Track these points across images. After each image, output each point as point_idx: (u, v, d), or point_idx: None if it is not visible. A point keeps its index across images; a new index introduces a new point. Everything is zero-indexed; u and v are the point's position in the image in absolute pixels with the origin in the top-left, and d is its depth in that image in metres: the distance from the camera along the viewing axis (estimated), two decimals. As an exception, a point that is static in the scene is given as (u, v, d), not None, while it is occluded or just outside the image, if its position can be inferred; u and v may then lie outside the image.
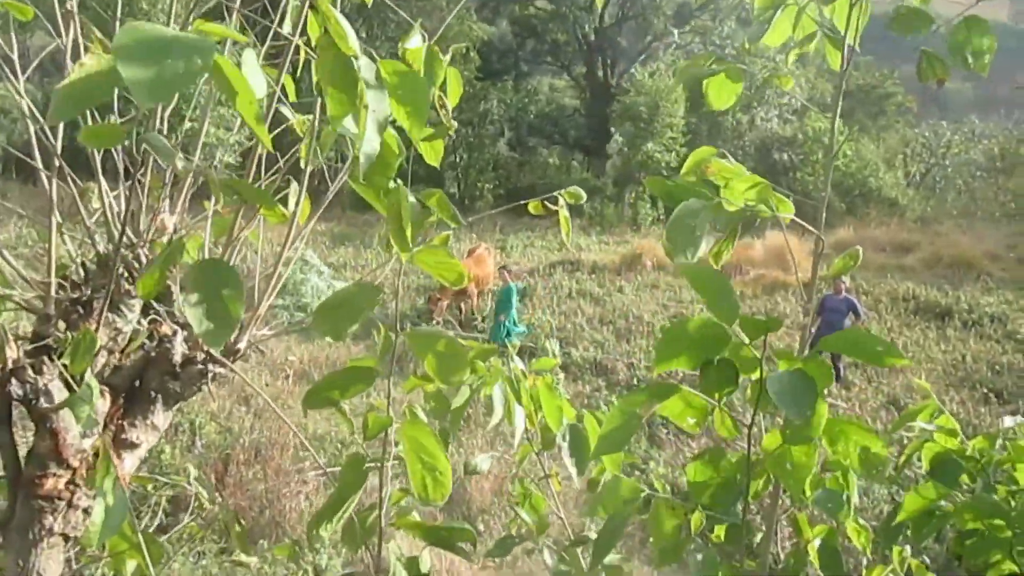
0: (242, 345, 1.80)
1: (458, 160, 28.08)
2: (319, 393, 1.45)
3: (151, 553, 1.35)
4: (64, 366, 1.50)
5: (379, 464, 1.47)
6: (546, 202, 1.98)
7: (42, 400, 1.49)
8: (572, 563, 1.75)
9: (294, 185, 1.80)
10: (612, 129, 30.05)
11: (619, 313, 14.70)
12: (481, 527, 8.48)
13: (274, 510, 8.24)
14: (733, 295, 1.07)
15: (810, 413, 0.99)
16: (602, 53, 32.34)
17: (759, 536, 2.08)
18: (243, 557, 1.79)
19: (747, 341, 1.06)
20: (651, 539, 1.33)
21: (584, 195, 2.04)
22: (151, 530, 7.58)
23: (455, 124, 1.83)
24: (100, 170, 1.81)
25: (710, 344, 1.07)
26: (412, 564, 1.53)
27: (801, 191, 26.27)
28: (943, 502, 1.53)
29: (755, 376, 1.09)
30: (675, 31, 31.06)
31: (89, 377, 1.44)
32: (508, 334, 12.12)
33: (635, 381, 11.41)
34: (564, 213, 1.97)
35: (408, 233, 1.34)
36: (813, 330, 12.35)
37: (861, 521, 2.09)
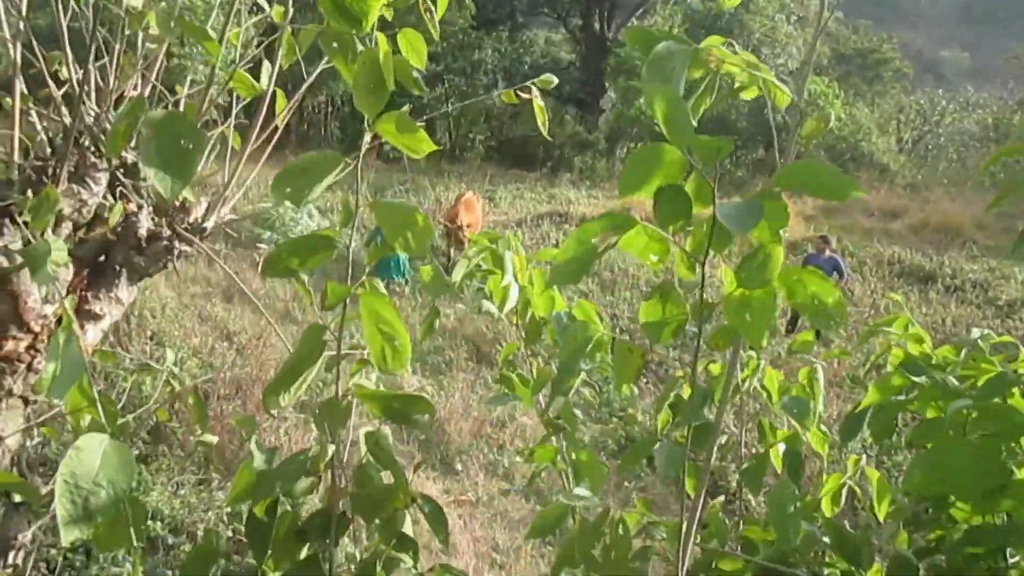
0: (209, 225, 1.79)
1: (450, 109, 27.86)
2: (278, 260, 1.44)
3: (107, 414, 1.35)
4: (27, 226, 1.48)
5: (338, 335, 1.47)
6: (519, 91, 1.96)
7: (2, 260, 1.48)
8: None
9: (266, 64, 1.77)
10: (606, 84, 29.78)
11: (604, 265, 14.71)
12: (459, 467, 8.57)
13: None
14: (690, 119, 1.06)
15: (752, 225, 0.99)
16: (599, 6, 31.89)
17: (724, 438, 2.11)
18: (206, 437, 1.80)
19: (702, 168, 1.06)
20: (615, 374, 1.34)
21: (555, 80, 2.02)
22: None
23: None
24: (67, 43, 1.77)
25: (669, 169, 1.06)
26: (371, 438, 1.53)
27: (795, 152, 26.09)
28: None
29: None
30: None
31: (49, 234, 1.43)
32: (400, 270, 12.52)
33: (617, 331, 11.44)
34: (538, 102, 1.95)
35: (389, 81, 1.32)
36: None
37: (823, 428, 2.12)
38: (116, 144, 1.28)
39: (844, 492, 2.13)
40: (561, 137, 27.02)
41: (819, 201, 20.79)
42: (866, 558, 1.37)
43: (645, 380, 10.48)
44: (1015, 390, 1.85)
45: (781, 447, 2.02)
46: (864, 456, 2.09)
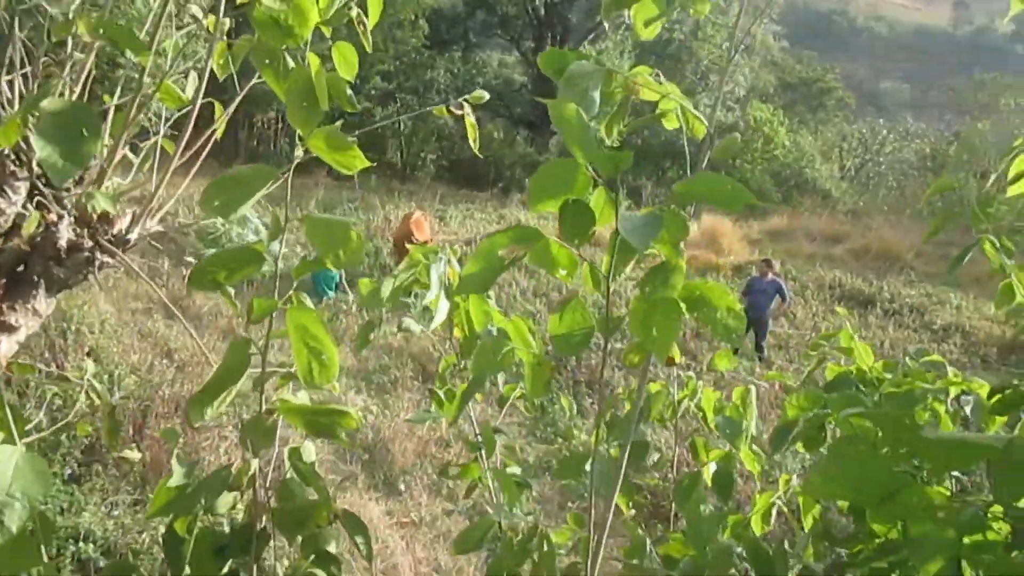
0: (133, 236, 1.76)
1: (401, 128, 27.79)
2: (204, 273, 1.42)
3: (17, 427, 1.31)
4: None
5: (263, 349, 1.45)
6: (451, 108, 1.97)
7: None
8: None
9: (192, 75, 1.75)
10: (558, 106, 30.06)
11: (553, 286, 14.79)
12: (402, 487, 8.48)
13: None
14: (591, 134, 1.08)
15: (651, 237, 1.01)
16: (552, 29, 32.24)
17: (657, 456, 2.13)
18: (127, 453, 1.76)
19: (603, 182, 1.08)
20: (528, 385, 1.35)
21: (487, 95, 2.04)
22: (63, 478, 7.27)
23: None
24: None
25: (575, 184, 1.08)
26: (295, 453, 1.52)
27: (739, 178, 26.68)
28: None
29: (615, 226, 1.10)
30: (626, 12, 31.12)
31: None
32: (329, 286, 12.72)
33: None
34: (470, 119, 1.96)
35: (323, 98, 1.32)
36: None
37: (755, 448, 2.16)
38: (9, 136, 1.25)
39: (775, 511, 2.17)
40: (512, 158, 27.16)
41: (764, 226, 21.15)
42: (780, 572, 1.40)
43: (590, 400, 10.52)
44: (942, 411, 1.91)
45: (713, 466, 2.05)
46: (796, 476, 2.13)
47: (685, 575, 1.46)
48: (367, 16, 1.82)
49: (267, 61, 1.38)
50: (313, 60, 1.45)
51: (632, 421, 1.43)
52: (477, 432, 2.04)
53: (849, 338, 1.90)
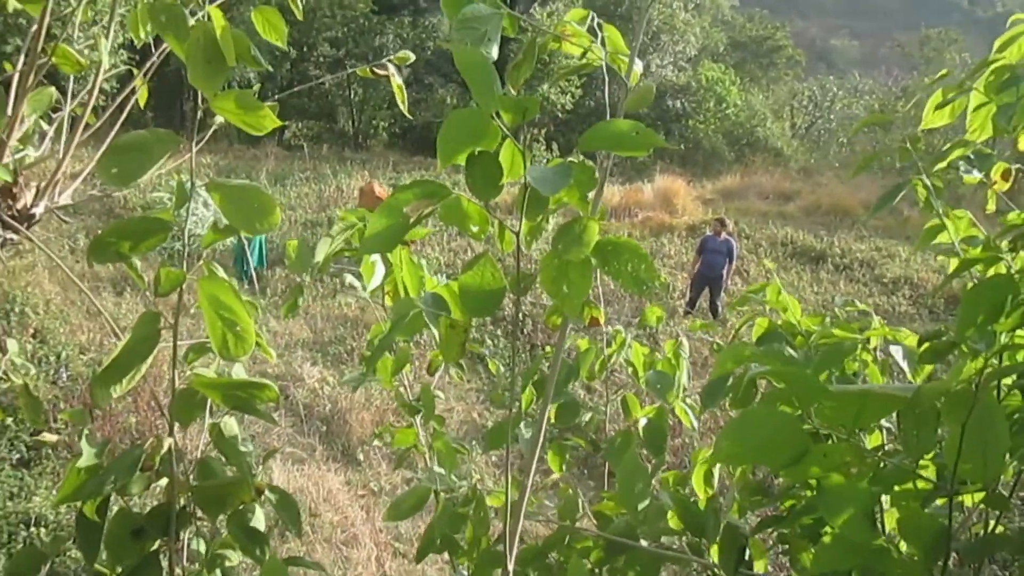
0: (38, 211, 1.68)
1: (352, 96, 27.33)
2: (106, 244, 1.35)
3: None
4: None
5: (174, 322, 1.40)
6: (375, 69, 1.90)
7: None
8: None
9: (102, 39, 1.66)
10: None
11: (508, 252, 14.73)
12: (361, 457, 8.46)
13: (144, 442, 8.00)
14: (496, 82, 1.03)
15: (561, 186, 0.97)
16: (502, -8, 31.83)
17: (588, 416, 2.11)
18: (45, 436, 1.68)
19: (508, 132, 1.03)
20: (442, 350, 1.31)
21: (412, 56, 1.97)
22: (12, 463, 7.14)
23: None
24: None
25: (482, 135, 1.03)
26: (215, 428, 1.47)
27: (692, 138, 26.81)
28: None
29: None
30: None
31: None
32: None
33: (520, 316, 11.49)
34: (396, 81, 1.89)
35: (229, 56, 1.25)
36: (695, 269, 12.78)
37: (689, 401, 2.14)
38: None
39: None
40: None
41: (717, 185, 21.20)
42: (711, 529, 1.39)
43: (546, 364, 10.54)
44: (869, 361, 1.90)
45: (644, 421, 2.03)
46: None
47: (618, 533, 1.45)
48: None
49: (163, 18, 1.31)
50: (216, 15, 1.38)
51: (551, 381, 1.41)
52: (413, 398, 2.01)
53: (776, 292, 1.89)
